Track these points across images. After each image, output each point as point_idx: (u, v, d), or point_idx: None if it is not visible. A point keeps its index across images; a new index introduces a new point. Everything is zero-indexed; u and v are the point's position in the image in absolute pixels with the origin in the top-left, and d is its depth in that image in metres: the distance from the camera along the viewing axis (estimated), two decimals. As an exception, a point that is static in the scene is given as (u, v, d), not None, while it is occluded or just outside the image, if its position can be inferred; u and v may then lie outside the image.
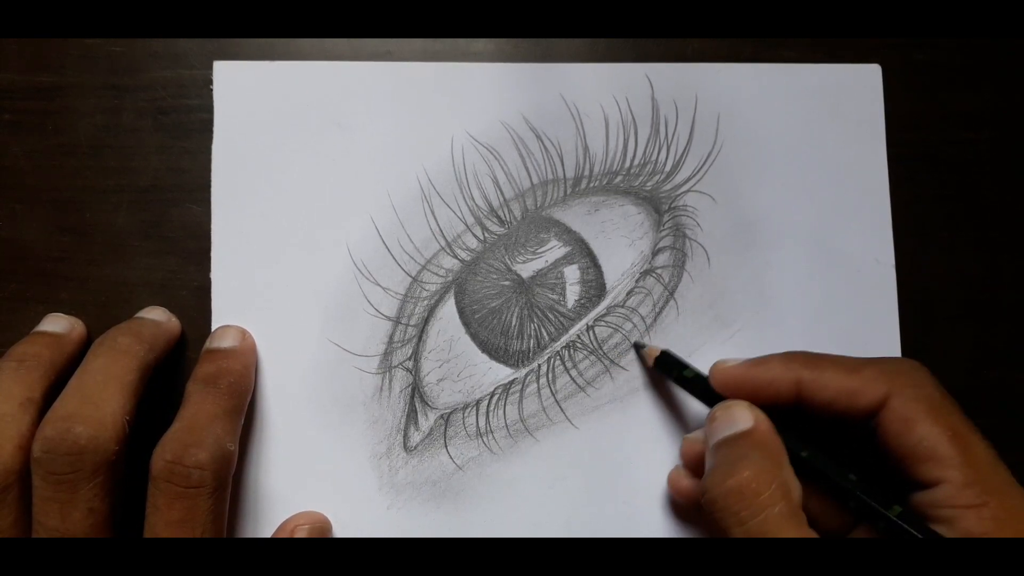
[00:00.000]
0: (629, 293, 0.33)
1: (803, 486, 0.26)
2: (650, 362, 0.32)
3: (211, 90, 0.33)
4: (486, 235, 0.33)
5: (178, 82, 0.33)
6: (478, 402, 0.33)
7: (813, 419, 0.28)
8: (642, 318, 0.33)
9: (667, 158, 0.34)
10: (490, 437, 0.32)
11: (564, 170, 0.34)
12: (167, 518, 0.26)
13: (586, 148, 0.34)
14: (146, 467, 0.27)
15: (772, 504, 0.24)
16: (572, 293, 0.33)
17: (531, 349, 0.33)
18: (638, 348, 0.33)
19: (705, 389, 0.30)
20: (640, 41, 0.35)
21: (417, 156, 0.33)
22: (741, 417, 0.27)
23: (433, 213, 0.33)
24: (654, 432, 0.33)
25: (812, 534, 0.24)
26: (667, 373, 0.31)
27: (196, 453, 0.27)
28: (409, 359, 0.33)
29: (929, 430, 0.25)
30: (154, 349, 0.30)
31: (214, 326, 0.32)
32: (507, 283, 0.33)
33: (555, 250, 0.33)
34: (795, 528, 0.24)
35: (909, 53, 0.35)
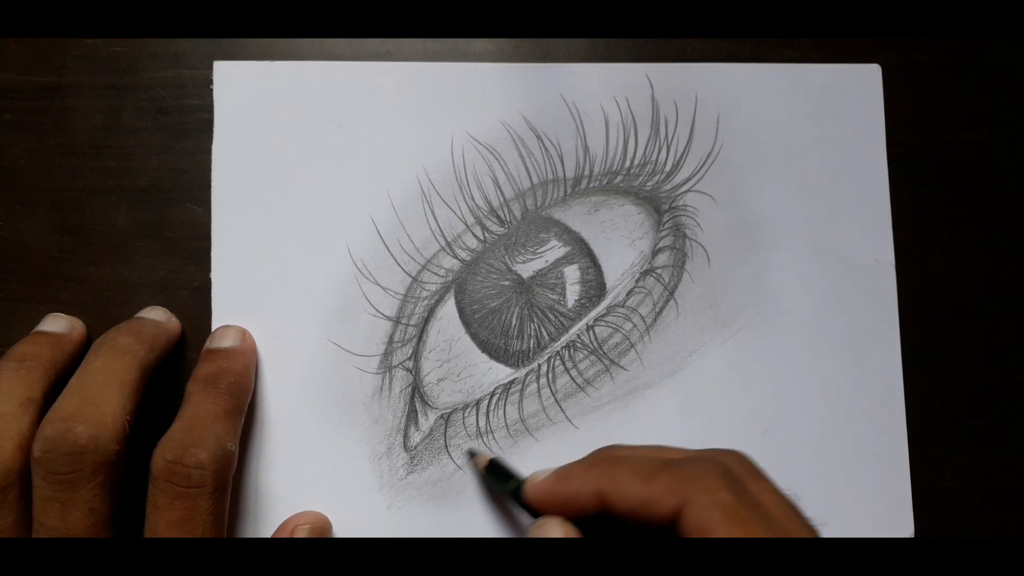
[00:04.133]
0: (629, 293, 0.33)
1: None
2: (480, 470, 0.31)
3: (211, 90, 0.33)
4: (486, 235, 0.33)
5: (178, 82, 0.33)
6: (478, 402, 0.33)
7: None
8: (642, 318, 0.33)
9: (667, 158, 0.34)
10: (490, 437, 0.32)
11: (564, 170, 0.34)
12: (167, 518, 0.26)
13: (586, 148, 0.34)
14: (146, 467, 0.27)
15: None
16: (572, 293, 0.33)
17: (531, 349, 0.33)
18: (471, 455, 0.32)
19: (525, 504, 0.29)
20: (640, 41, 0.35)
21: (417, 156, 0.33)
22: (551, 535, 0.27)
23: (433, 213, 0.33)
24: (654, 432, 0.33)
25: None
26: (494, 483, 0.31)
27: (196, 453, 0.27)
28: (409, 359, 0.33)
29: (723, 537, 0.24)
30: (154, 349, 0.30)
31: (214, 326, 0.32)
32: (507, 283, 0.33)
33: (555, 250, 0.33)
34: None
35: (909, 53, 0.35)
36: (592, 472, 0.27)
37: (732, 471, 0.26)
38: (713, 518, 0.24)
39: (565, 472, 0.27)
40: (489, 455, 0.31)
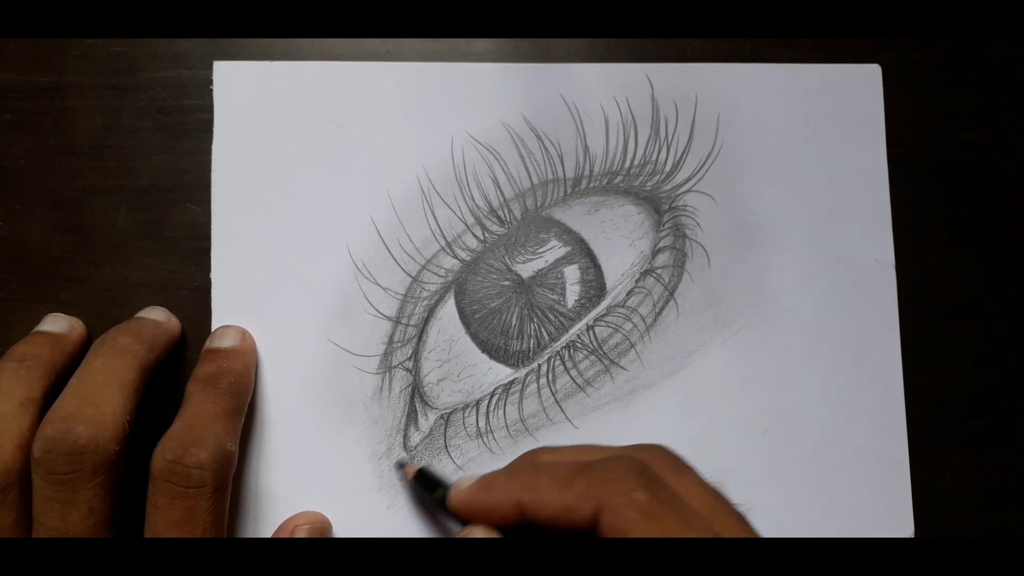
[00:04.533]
0: (629, 293, 0.33)
1: None
2: (408, 481, 0.31)
3: (211, 90, 0.33)
4: (486, 235, 0.33)
5: (178, 82, 0.33)
6: (478, 402, 0.33)
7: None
8: (642, 318, 0.33)
9: (667, 158, 0.34)
10: (490, 437, 0.32)
11: (564, 170, 0.34)
12: (167, 518, 0.26)
13: (586, 148, 0.34)
14: (146, 467, 0.27)
15: None
16: (572, 293, 0.33)
17: (531, 349, 0.33)
18: (399, 467, 0.32)
19: (452, 512, 0.29)
20: (640, 41, 0.35)
21: (417, 156, 0.33)
22: None
23: (433, 213, 0.33)
24: (654, 432, 0.33)
25: None
26: (423, 492, 0.30)
27: (196, 453, 0.27)
28: (409, 359, 0.33)
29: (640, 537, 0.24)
30: (154, 349, 0.30)
31: (214, 326, 0.32)
32: (507, 283, 0.33)
33: (555, 250, 0.33)
34: None
35: (909, 53, 0.35)
36: (512, 483, 0.27)
37: (648, 468, 0.26)
38: (628, 518, 0.24)
39: (487, 482, 0.27)
40: (417, 465, 0.31)
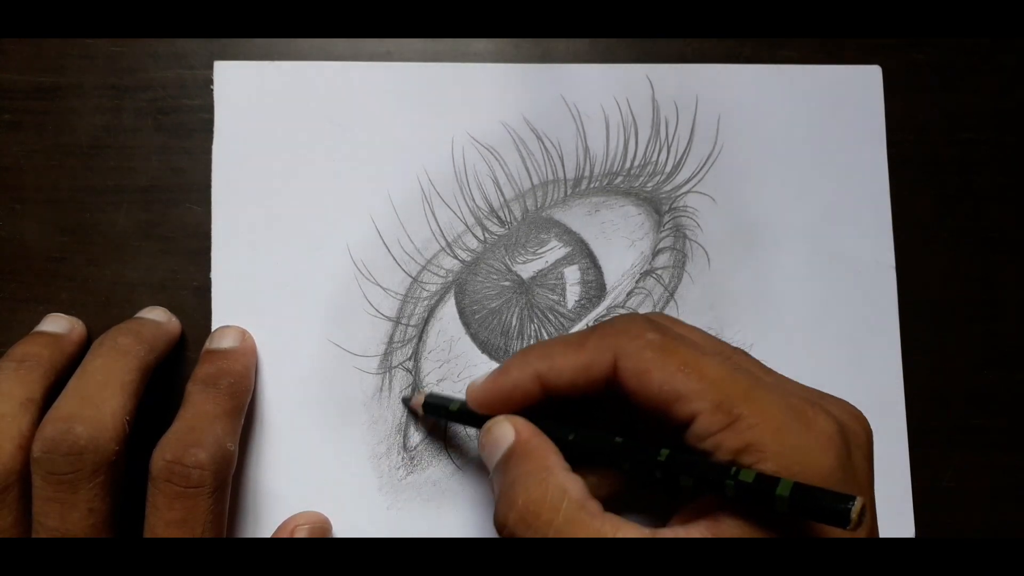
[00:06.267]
0: (629, 294, 0.33)
1: (587, 467, 0.26)
2: (420, 410, 0.31)
3: (211, 90, 0.33)
4: (486, 235, 0.33)
5: (178, 82, 0.33)
6: (478, 402, 0.32)
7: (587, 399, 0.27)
8: (642, 318, 0.33)
9: (667, 159, 0.34)
10: (490, 437, 0.32)
11: (564, 171, 0.34)
12: (167, 518, 0.26)
13: (586, 149, 0.34)
14: (146, 467, 0.27)
15: (554, 514, 0.24)
16: (572, 294, 0.33)
17: (531, 349, 0.33)
18: (405, 402, 0.32)
19: (472, 415, 0.29)
20: (640, 41, 0.35)
21: (417, 156, 0.33)
22: (502, 435, 0.27)
23: (433, 213, 0.33)
24: (654, 432, 0.33)
25: (608, 519, 0.24)
26: (437, 415, 0.31)
27: (196, 453, 0.27)
28: (409, 359, 0.33)
29: (662, 373, 0.25)
30: (154, 349, 0.30)
31: (214, 326, 0.32)
32: (507, 283, 0.33)
33: (555, 251, 0.33)
34: (587, 521, 0.24)
35: (909, 53, 0.35)
36: (527, 358, 0.27)
37: (653, 319, 0.27)
38: (645, 357, 0.25)
39: (502, 368, 0.28)
40: (423, 392, 0.31)
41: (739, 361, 0.26)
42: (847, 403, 0.26)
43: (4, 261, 0.33)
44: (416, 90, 0.34)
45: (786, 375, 0.27)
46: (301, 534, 0.30)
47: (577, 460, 0.26)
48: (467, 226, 0.33)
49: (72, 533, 0.26)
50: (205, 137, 0.33)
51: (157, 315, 0.32)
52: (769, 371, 0.27)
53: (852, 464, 0.24)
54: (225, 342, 0.31)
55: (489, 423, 0.27)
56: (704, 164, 0.34)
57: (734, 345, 0.27)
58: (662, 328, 0.26)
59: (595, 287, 0.33)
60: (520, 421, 0.27)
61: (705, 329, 0.28)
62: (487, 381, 0.28)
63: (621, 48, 0.35)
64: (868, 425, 0.26)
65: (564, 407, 0.27)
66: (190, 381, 0.29)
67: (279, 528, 0.31)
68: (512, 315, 0.33)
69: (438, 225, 0.33)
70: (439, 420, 0.32)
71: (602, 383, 0.26)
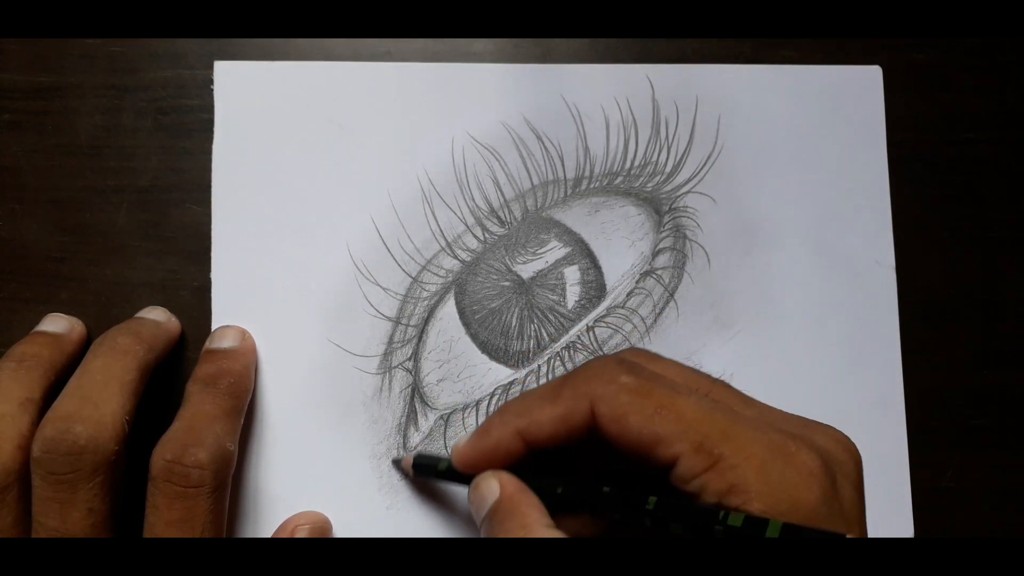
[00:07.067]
0: (629, 294, 0.33)
1: (576, 517, 0.26)
2: (410, 471, 0.31)
3: (211, 90, 0.33)
4: (486, 236, 0.33)
5: (178, 82, 0.33)
6: (478, 403, 0.33)
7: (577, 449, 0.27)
8: (642, 319, 0.33)
9: (668, 159, 0.34)
10: (490, 437, 0.32)
11: (564, 171, 0.34)
12: (167, 518, 0.26)
13: (587, 149, 0.34)
14: (146, 467, 0.27)
15: None
16: (572, 294, 0.33)
17: (531, 350, 0.33)
18: (396, 464, 0.32)
19: (460, 475, 0.28)
20: (640, 41, 0.35)
21: (417, 156, 0.33)
22: (487, 491, 0.27)
23: (433, 213, 0.33)
24: (654, 432, 0.33)
25: None
26: (427, 476, 0.31)
27: (196, 453, 0.27)
28: (409, 359, 0.33)
29: (639, 417, 0.24)
30: (154, 349, 0.30)
31: (214, 326, 0.32)
32: (507, 284, 0.33)
33: (555, 251, 0.33)
34: None
35: (909, 53, 0.35)
36: (505, 416, 0.27)
37: (626, 359, 0.27)
38: (622, 402, 0.25)
39: (482, 429, 0.28)
40: (411, 455, 0.31)
41: (718, 396, 0.26)
42: (833, 429, 0.26)
43: (4, 261, 0.33)
44: (416, 90, 0.34)
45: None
46: (301, 534, 0.30)
47: (566, 508, 0.26)
48: (467, 226, 0.33)
49: (72, 533, 0.26)
50: (205, 137, 0.33)
51: (157, 315, 0.32)
52: (750, 402, 0.26)
53: (838, 496, 0.24)
54: (225, 342, 0.31)
55: (477, 479, 0.27)
56: (704, 164, 0.34)
57: (715, 376, 0.27)
58: (636, 369, 0.26)
59: (595, 287, 0.33)
60: (506, 477, 0.27)
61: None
62: (470, 442, 0.28)
63: (621, 48, 0.35)
64: (856, 451, 0.25)
65: (552, 454, 0.27)
66: (190, 381, 0.29)
67: (279, 528, 0.31)
68: (512, 315, 0.33)
69: (438, 225, 0.33)
70: (428, 479, 0.31)
71: (583, 430, 0.26)
